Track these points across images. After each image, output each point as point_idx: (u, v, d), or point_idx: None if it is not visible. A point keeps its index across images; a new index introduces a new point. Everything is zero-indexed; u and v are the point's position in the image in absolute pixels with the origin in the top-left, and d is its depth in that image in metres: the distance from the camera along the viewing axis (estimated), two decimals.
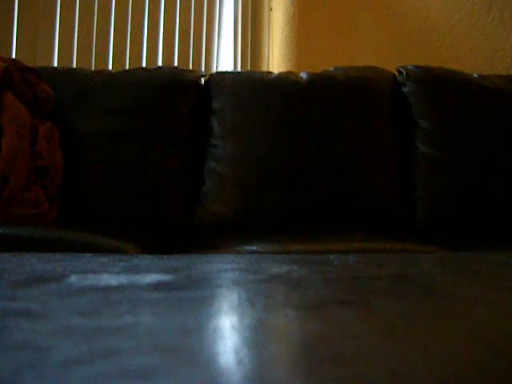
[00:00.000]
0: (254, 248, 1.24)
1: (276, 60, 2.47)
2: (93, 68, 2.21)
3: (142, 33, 2.35)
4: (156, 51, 2.36)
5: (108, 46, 2.30)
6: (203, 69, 2.36)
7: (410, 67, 1.73)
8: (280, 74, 1.74)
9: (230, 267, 0.58)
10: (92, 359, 0.28)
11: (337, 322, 0.36)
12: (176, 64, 2.36)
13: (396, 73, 1.75)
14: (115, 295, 0.42)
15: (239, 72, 2.05)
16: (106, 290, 0.44)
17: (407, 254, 0.80)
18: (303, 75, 1.70)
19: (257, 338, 0.33)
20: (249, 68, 2.46)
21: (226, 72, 1.82)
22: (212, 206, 1.56)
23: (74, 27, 2.25)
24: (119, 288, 0.45)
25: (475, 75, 1.75)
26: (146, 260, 0.64)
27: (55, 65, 2.22)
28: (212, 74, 1.80)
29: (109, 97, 1.64)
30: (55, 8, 2.23)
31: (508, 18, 2.20)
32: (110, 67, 2.29)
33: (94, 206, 1.56)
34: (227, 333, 0.34)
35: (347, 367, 0.28)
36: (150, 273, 0.54)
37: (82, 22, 2.26)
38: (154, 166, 1.60)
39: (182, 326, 0.35)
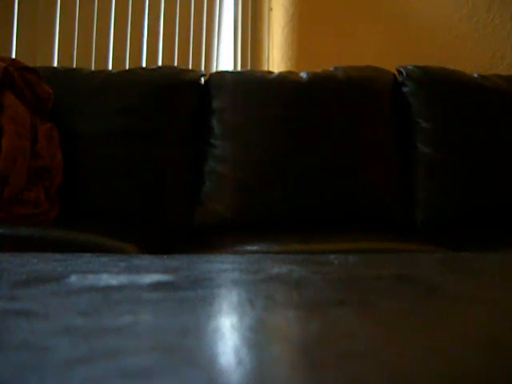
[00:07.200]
0: (254, 248, 1.24)
1: (276, 60, 2.46)
2: (93, 68, 2.21)
3: (142, 33, 2.34)
4: (156, 51, 2.36)
5: (108, 46, 2.30)
6: (203, 69, 2.36)
7: (409, 67, 1.73)
8: (280, 74, 1.74)
9: (230, 267, 0.58)
10: (92, 359, 0.28)
11: (337, 322, 0.36)
12: (176, 64, 2.36)
13: (396, 73, 1.75)
14: (115, 295, 0.42)
15: (239, 72, 2.05)
16: (106, 289, 0.44)
17: (407, 254, 0.80)
18: (303, 75, 1.69)
19: (257, 338, 0.33)
20: (249, 68, 2.45)
21: (226, 72, 1.82)
22: (212, 205, 1.56)
23: (74, 27, 2.25)
24: (119, 288, 0.45)
25: (475, 75, 1.75)
26: (146, 260, 0.64)
27: (55, 65, 2.21)
28: (212, 74, 1.79)
29: (109, 97, 1.64)
30: (55, 8, 2.23)
31: (508, 18, 2.20)
32: (110, 67, 2.28)
33: (93, 206, 1.56)
34: (227, 333, 0.34)
35: (347, 367, 0.28)
36: (150, 273, 0.54)
37: (82, 22, 2.26)
38: (153, 165, 1.60)
39: (182, 326, 0.35)
